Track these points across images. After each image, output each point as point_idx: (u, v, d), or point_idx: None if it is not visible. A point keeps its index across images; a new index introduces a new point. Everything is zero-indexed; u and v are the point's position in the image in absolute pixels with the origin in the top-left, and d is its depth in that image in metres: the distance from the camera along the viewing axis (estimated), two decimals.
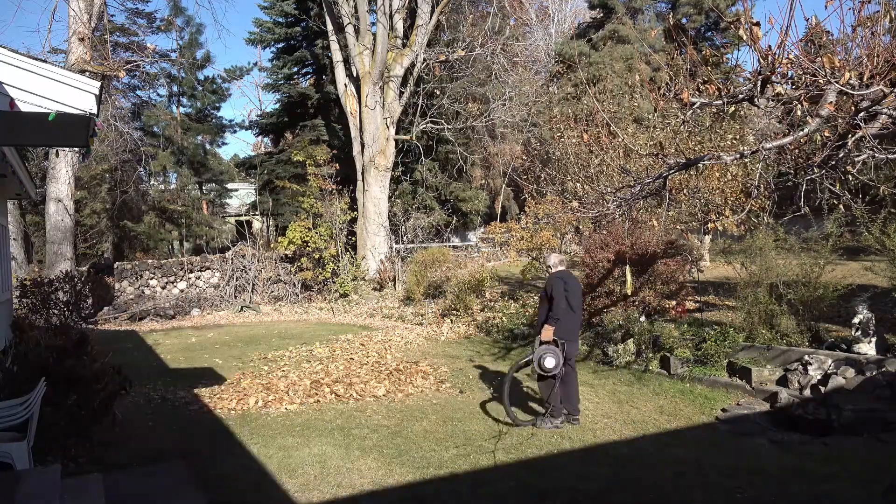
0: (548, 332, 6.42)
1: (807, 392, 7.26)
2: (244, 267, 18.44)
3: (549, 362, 6.29)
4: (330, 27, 20.26)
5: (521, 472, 5.46)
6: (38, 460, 4.96)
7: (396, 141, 20.11)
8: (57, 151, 16.27)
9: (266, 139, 31.89)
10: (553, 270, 6.74)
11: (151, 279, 17.87)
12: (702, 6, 29.08)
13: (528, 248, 13.87)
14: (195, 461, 5.71)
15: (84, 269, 17.89)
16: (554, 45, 33.63)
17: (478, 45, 21.36)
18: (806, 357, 7.70)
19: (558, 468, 5.51)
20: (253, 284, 18.40)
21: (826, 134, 4.29)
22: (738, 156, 4.78)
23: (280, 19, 26.71)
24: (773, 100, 4.20)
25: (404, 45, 19.92)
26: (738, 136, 12.36)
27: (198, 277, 18.44)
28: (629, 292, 9.53)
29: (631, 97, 17.44)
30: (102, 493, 4.43)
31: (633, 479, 5.22)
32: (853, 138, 4.14)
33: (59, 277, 14.40)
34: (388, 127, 19.47)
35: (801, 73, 4.01)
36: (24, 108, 4.00)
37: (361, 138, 19.68)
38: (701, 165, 6.25)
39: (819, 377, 7.36)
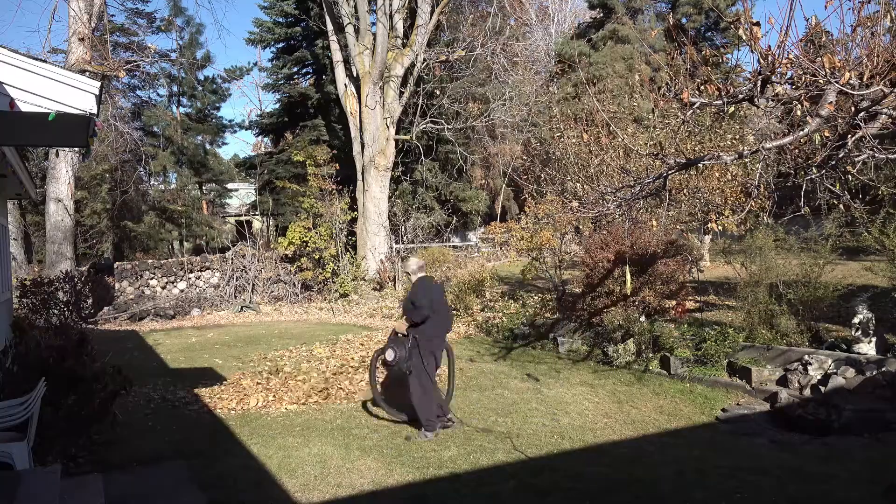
0: (401, 325, 6.43)
1: (807, 392, 7.26)
2: (244, 267, 18.44)
3: (389, 354, 6.24)
4: (330, 27, 20.25)
5: (521, 472, 5.45)
6: (38, 460, 4.96)
7: (396, 141, 20.10)
8: (57, 151, 16.27)
9: (266, 139, 31.90)
10: (414, 278, 6.68)
11: (151, 279, 17.87)
12: (702, 6, 29.09)
13: (528, 248, 13.84)
14: (195, 461, 5.71)
15: (84, 269, 17.88)
16: (554, 45, 33.62)
17: (478, 45, 21.36)
18: (806, 357, 7.70)
19: (558, 468, 5.51)
20: (253, 284, 18.40)
21: (826, 134, 4.28)
22: (738, 156, 4.78)
23: (280, 19, 26.72)
24: (773, 100, 4.20)
25: (404, 45, 19.92)
26: (738, 136, 12.35)
27: (198, 277, 18.43)
28: (629, 292, 9.54)
29: (631, 97, 17.44)
30: (102, 493, 4.44)
31: (632, 479, 5.22)
32: (853, 138, 4.14)
33: (59, 277, 14.39)
34: (388, 127, 19.47)
35: (801, 73, 4.01)
36: (24, 108, 4.00)
37: (361, 138, 19.68)
38: (701, 165, 6.25)
39: (819, 377, 7.36)
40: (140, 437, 6.40)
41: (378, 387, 6.91)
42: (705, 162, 4.95)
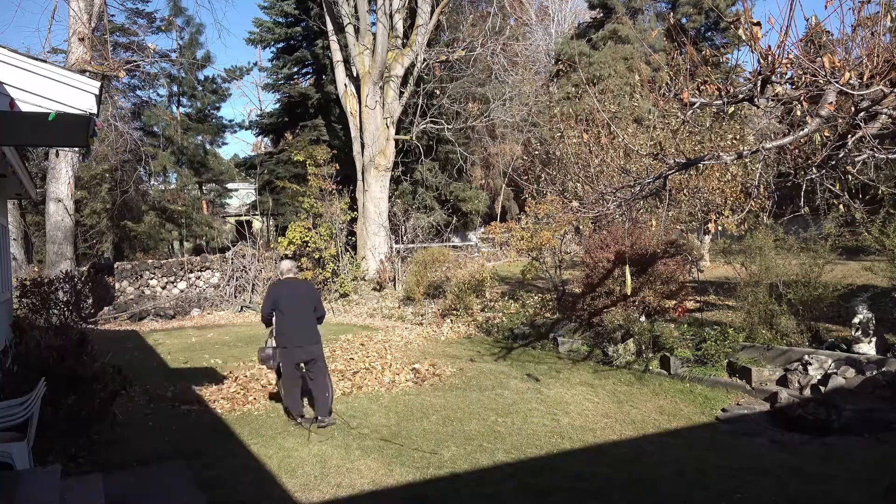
0: (266, 331, 6.93)
1: (807, 392, 7.27)
2: (244, 267, 18.44)
3: (258, 354, 6.92)
4: (330, 27, 20.26)
5: (521, 472, 5.45)
6: (38, 460, 4.96)
7: (396, 141, 20.10)
8: (57, 151, 16.27)
9: (266, 139, 31.90)
10: (281, 277, 7.00)
11: (151, 279, 17.87)
12: (702, 6, 29.10)
13: (528, 248, 13.84)
14: (195, 461, 5.71)
15: (84, 269, 17.88)
16: (554, 45, 33.64)
17: (478, 45, 21.36)
18: (806, 357, 7.70)
19: (558, 468, 5.51)
20: (253, 284, 18.39)
21: (826, 134, 4.29)
22: (738, 156, 4.78)
23: (280, 19, 26.72)
24: (773, 100, 4.20)
25: (404, 45, 19.92)
26: (738, 136, 12.35)
27: (198, 277, 18.44)
28: (629, 292, 9.54)
29: (631, 97, 17.44)
30: (102, 493, 4.43)
31: (632, 479, 5.22)
32: (853, 138, 4.15)
33: (59, 277, 14.38)
34: (388, 127, 19.47)
35: (801, 73, 4.01)
36: (24, 108, 4.00)
37: (361, 138, 19.68)
38: (701, 165, 6.25)
39: (819, 377, 7.36)
40: (140, 437, 6.40)
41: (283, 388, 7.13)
42: (705, 162, 4.95)
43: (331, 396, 6.81)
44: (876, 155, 4.40)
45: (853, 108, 3.92)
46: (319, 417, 6.62)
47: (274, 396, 7.67)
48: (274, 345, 6.68)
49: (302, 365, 6.69)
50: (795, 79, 4.11)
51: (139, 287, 17.66)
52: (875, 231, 8.76)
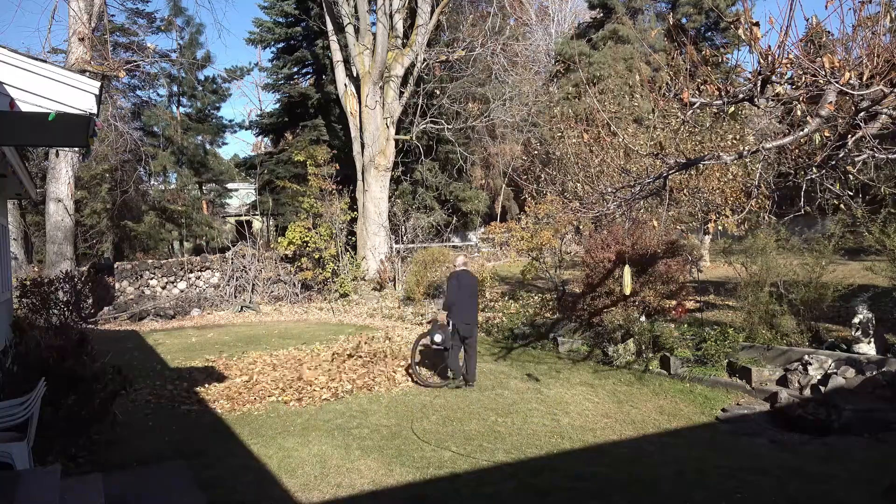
0: (441, 316, 8.43)
1: (807, 392, 7.27)
2: (244, 267, 18.43)
3: (437, 338, 8.32)
4: (330, 27, 20.26)
5: (521, 472, 5.46)
6: (38, 460, 4.96)
7: (396, 141, 20.10)
8: (57, 151, 16.27)
9: (266, 139, 31.90)
10: (454, 269, 8.66)
11: (151, 279, 17.86)
12: (702, 6, 29.11)
13: (528, 248, 13.85)
14: (195, 461, 5.71)
15: (84, 269, 17.86)
16: (554, 45, 33.65)
17: (478, 45, 21.35)
18: (806, 357, 7.70)
19: (558, 468, 5.51)
20: (253, 284, 18.39)
21: (826, 134, 4.29)
22: (738, 156, 4.78)
23: (280, 19, 26.72)
24: (773, 100, 4.20)
25: (404, 45, 19.92)
26: (738, 136, 12.34)
27: (198, 277, 18.43)
28: (629, 292, 9.53)
29: (631, 97, 17.44)
30: (102, 493, 4.43)
31: (632, 479, 5.22)
32: (853, 138, 4.15)
33: (59, 277, 14.38)
34: (388, 127, 19.47)
35: (801, 73, 4.01)
36: (24, 108, 4.00)
37: (361, 138, 19.68)
38: (701, 165, 6.25)
39: (819, 377, 7.36)
40: (140, 437, 6.40)
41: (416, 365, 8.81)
42: (705, 162, 4.95)
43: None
44: (876, 155, 4.40)
45: (853, 108, 3.92)
46: (470, 382, 8.23)
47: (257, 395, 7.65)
48: (437, 337, 8.28)
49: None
50: (795, 79, 4.11)
51: (139, 287, 17.66)
52: (876, 231, 8.76)
